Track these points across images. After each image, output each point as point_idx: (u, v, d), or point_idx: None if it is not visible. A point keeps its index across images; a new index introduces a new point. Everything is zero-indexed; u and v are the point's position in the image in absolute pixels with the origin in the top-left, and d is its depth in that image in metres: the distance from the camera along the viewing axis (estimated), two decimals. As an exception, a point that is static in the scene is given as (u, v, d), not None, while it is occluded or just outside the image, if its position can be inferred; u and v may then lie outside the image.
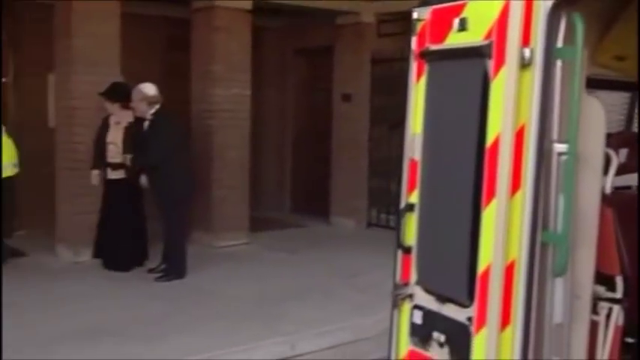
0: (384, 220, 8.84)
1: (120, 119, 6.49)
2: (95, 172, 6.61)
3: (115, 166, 6.48)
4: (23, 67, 8.24)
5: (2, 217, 5.88)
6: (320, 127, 9.70)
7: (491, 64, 2.54)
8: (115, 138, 6.49)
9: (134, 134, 6.36)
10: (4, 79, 7.92)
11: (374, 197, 9.00)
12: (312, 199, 9.77)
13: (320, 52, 9.53)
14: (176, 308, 5.53)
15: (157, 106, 6.19)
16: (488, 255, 2.53)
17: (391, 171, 8.65)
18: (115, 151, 6.47)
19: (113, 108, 6.47)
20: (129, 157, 6.27)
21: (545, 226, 2.48)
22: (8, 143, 6.56)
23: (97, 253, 6.71)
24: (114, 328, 4.97)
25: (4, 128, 6.54)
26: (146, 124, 6.21)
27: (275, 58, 10.05)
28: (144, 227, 6.71)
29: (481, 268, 2.56)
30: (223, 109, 7.70)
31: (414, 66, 2.94)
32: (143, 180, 6.36)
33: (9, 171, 6.51)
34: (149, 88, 6.19)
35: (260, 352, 4.74)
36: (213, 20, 7.60)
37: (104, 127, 6.57)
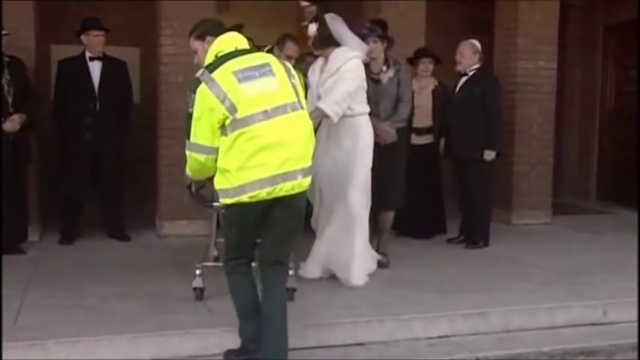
0: None
1: (425, 84, 6.54)
2: None
3: (420, 131, 6.52)
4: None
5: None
6: (632, 108, 8.91)
7: None
8: (420, 102, 6.47)
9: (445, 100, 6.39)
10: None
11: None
12: (622, 186, 8.94)
13: (635, 27, 8.76)
14: (474, 270, 5.42)
15: (479, 65, 6.17)
16: None
17: None
18: (420, 115, 6.46)
19: (421, 69, 6.51)
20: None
21: None
22: None
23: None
24: (409, 280, 5.03)
25: None
26: (462, 80, 6.17)
27: (581, 35, 9.44)
28: (441, 194, 6.68)
29: None
30: (527, 83, 7.42)
31: None
32: (442, 144, 6.36)
33: None
34: (479, 45, 6.20)
35: (565, 315, 4.45)
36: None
37: None
